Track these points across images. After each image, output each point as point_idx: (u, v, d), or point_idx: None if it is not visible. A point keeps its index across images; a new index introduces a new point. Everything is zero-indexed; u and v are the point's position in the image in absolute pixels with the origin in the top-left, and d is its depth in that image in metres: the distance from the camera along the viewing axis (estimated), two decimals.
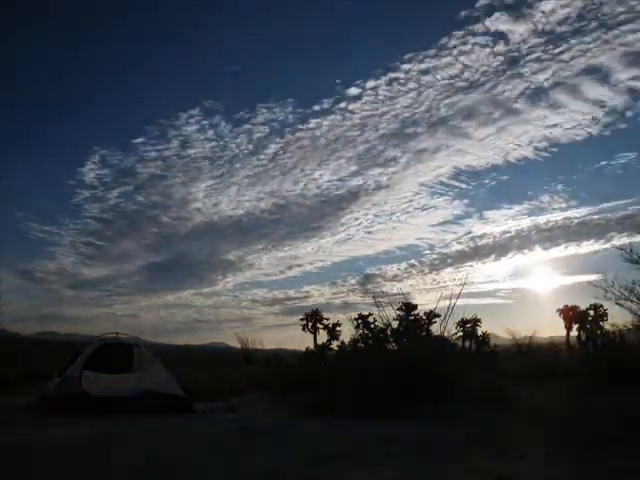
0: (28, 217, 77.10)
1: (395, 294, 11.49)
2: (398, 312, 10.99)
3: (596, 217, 58.56)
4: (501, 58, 55.27)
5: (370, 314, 11.30)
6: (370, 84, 61.05)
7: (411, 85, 60.22)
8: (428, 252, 70.69)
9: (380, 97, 60.39)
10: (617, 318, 9.69)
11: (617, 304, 9.07)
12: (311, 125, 66.75)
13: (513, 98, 56.94)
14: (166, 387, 9.64)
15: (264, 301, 68.32)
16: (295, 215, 70.59)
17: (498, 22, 53.94)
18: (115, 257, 75.81)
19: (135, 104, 75.11)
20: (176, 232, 71.50)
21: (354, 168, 68.13)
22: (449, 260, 59.64)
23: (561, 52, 53.60)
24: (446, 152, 62.91)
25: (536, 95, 66.99)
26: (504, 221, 73.80)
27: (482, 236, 65.50)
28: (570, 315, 34.58)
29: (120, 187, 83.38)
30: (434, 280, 52.28)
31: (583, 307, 33.61)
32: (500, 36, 55.47)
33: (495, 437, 5.44)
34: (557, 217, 62.05)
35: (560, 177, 73.94)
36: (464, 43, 54.13)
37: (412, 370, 8.13)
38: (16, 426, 7.35)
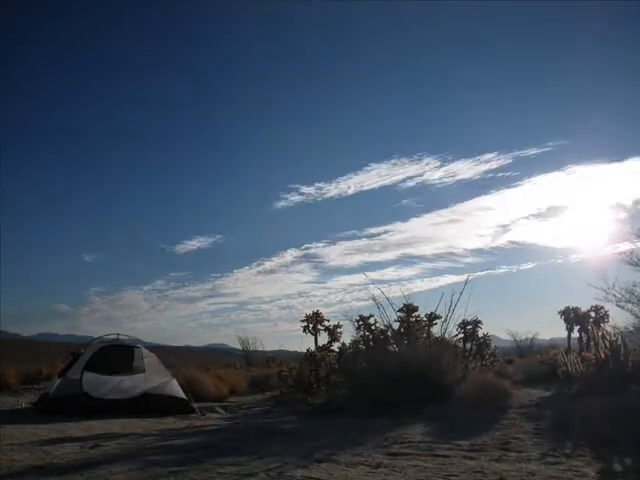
0: None
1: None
2: (399, 314, 10.98)
3: None
4: None
5: (371, 315, 11.27)
6: None
7: None
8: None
9: None
10: (618, 320, 9.71)
11: (618, 306, 9.13)
12: None
13: None
14: (167, 388, 9.68)
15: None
16: None
17: None
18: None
19: None
20: None
21: None
22: None
23: None
24: None
25: None
26: None
27: None
28: (571, 316, 34.34)
29: None
30: None
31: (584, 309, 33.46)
32: None
33: (496, 438, 5.44)
34: None
35: None
36: None
37: (413, 371, 8.14)
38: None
